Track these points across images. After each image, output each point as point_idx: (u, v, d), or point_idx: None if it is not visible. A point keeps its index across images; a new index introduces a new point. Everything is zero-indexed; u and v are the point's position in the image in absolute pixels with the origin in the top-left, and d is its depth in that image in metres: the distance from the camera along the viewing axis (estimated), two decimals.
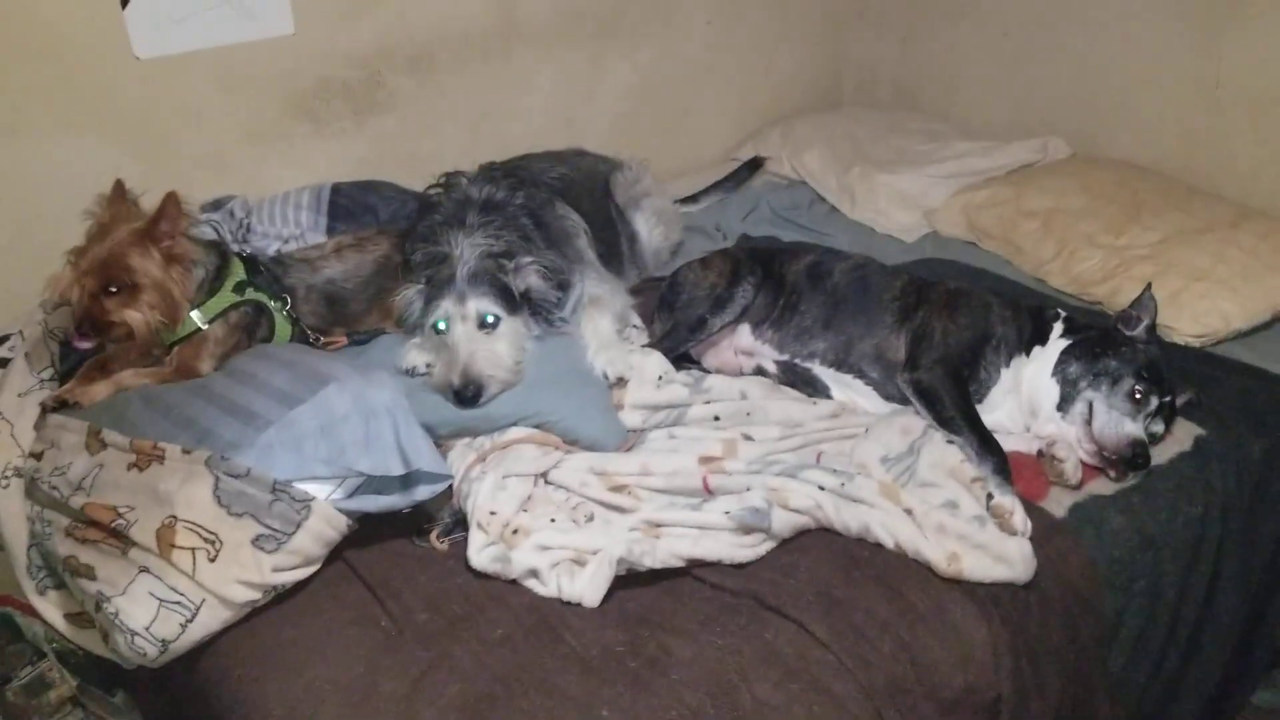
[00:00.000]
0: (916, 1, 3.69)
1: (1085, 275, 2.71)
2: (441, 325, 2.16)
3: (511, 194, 2.40)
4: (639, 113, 3.44)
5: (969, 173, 3.22)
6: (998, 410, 2.19)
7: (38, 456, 1.98)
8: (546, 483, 2.00)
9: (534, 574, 1.80)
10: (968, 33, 3.55)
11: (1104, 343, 2.17)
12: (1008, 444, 2.08)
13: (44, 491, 1.88)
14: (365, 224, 2.60)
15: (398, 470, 1.86)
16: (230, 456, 1.78)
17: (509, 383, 2.10)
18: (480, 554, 1.81)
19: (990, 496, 1.94)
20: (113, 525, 1.74)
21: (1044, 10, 3.31)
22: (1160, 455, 2.12)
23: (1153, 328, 2.21)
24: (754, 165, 3.47)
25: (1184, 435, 2.19)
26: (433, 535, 1.92)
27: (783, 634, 1.70)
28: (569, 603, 1.76)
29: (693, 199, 3.27)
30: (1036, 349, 2.22)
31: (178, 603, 1.68)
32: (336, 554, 1.86)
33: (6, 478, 2.03)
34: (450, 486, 1.96)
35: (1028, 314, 2.28)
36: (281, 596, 1.79)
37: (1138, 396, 2.08)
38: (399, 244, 2.41)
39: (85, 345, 2.07)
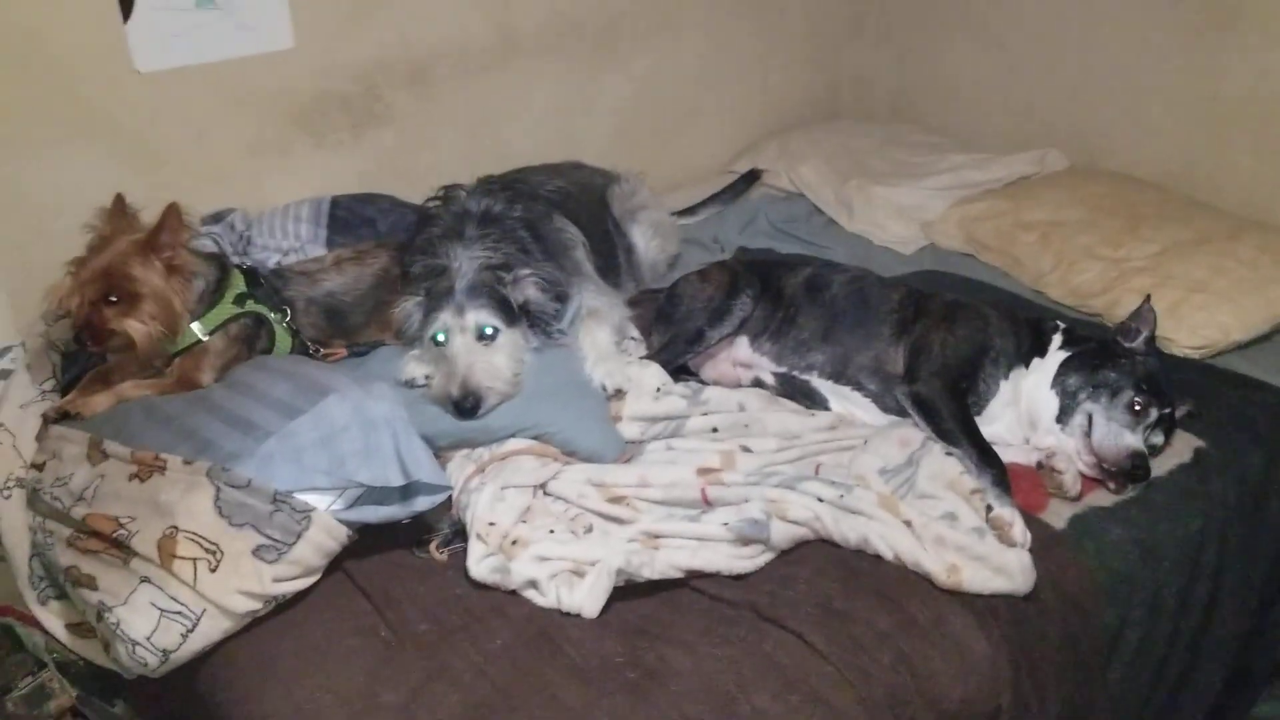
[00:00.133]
0: (913, 14, 3.71)
1: (1084, 287, 2.72)
2: (440, 337, 2.17)
3: (509, 206, 2.40)
4: (636, 126, 3.45)
5: (966, 185, 3.22)
6: (997, 422, 2.20)
7: (39, 467, 1.99)
8: (545, 494, 2.00)
9: (533, 585, 1.80)
10: (965, 45, 3.57)
11: (1103, 355, 2.18)
12: (1007, 456, 2.09)
13: (46, 502, 1.88)
14: (364, 236, 2.61)
15: (397, 481, 1.86)
16: (231, 467, 1.79)
17: (507, 394, 2.11)
18: (479, 565, 1.82)
19: (989, 508, 1.94)
20: (114, 536, 1.74)
21: (1040, 23, 3.33)
22: (1160, 467, 2.13)
23: (1152, 339, 2.22)
24: (751, 178, 3.48)
25: (1183, 447, 2.19)
26: (432, 546, 1.92)
27: (782, 645, 1.69)
28: (568, 613, 1.76)
29: (690, 211, 3.28)
30: (1035, 361, 2.22)
31: (179, 613, 1.68)
32: (336, 564, 1.86)
33: (8, 488, 2.04)
34: (449, 497, 1.96)
35: (1026, 326, 2.29)
36: (282, 607, 1.79)
37: (1137, 408, 2.09)
38: (398, 257, 2.42)
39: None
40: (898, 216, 3.17)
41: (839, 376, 2.28)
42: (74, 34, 2.38)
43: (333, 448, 1.86)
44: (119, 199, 2.13)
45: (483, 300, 2.16)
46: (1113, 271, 2.69)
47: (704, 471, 2.00)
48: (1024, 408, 2.19)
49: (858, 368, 2.27)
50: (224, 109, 2.65)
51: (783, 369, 2.33)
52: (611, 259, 2.71)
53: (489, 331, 2.15)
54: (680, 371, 2.35)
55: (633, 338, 2.45)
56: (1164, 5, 3.01)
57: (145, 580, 1.71)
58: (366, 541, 1.89)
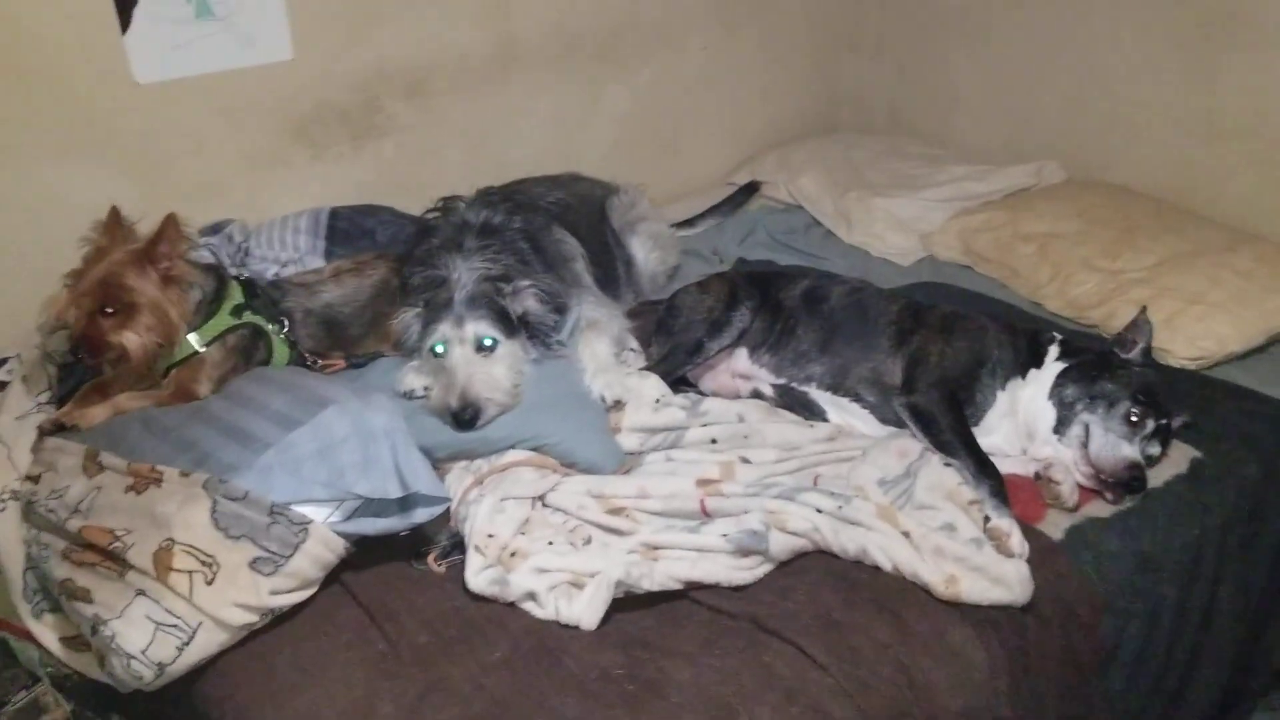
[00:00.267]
0: (912, 27, 3.72)
1: (1081, 299, 2.72)
2: (439, 348, 2.17)
3: (509, 218, 2.41)
4: (635, 138, 3.46)
5: (964, 197, 3.23)
6: (994, 433, 2.20)
7: (35, 479, 1.98)
8: (544, 505, 2.00)
9: (532, 596, 1.79)
10: (963, 58, 3.58)
11: (1100, 366, 2.18)
12: (1004, 466, 2.09)
13: (41, 514, 1.88)
14: (363, 248, 2.61)
15: (395, 493, 1.86)
16: (229, 479, 1.79)
17: (507, 405, 2.10)
18: (478, 576, 1.81)
19: (987, 519, 1.94)
20: (110, 548, 1.74)
21: (1039, 36, 3.34)
22: (1157, 478, 2.13)
23: (1148, 351, 2.23)
24: (750, 189, 3.49)
25: (1180, 458, 2.19)
26: (430, 558, 1.91)
27: (781, 656, 1.69)
28: (567, 625, 1.76)
29: (689, 223, 3.28)
30: (1032, 372, 2.22)
31: (174, 625, 1.68)
32: (334, 577, 1.86)
33: (3, 501, 2.03)
34: (448, 509, 1.95)
35: (1024, 337, 2.29)
36: (279, 619, 1.78)
37: (1134, 419, 2.09)
38: (397, 268, 2.42)
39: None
40: (896, 228, 3.18)
41: (837, 388, 2.28)
42: (73, 45, 2.39)
43: (331, 459, 1.85)
44: (114, 211, 2.13)
45: (482, 311, 2.16)
46: (1110, 283, 2.69)
47: (703, 483, 1.99)
48: (1021, 419, 2.19)
49: (856, 379, 2.27)
50: (223, 120, 2.65)
51: (781, 380, 2.33)
52: (611, 270, 2.72)
53: (488, 343, 2.15)
54: (679, 383, 2.35)
55: (632, 349, 2.45)
56: (1160, 19, 3.02)
57: (141, 593, 1.70)
58: (364, 553, 1.88)
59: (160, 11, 2.46)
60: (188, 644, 1.68)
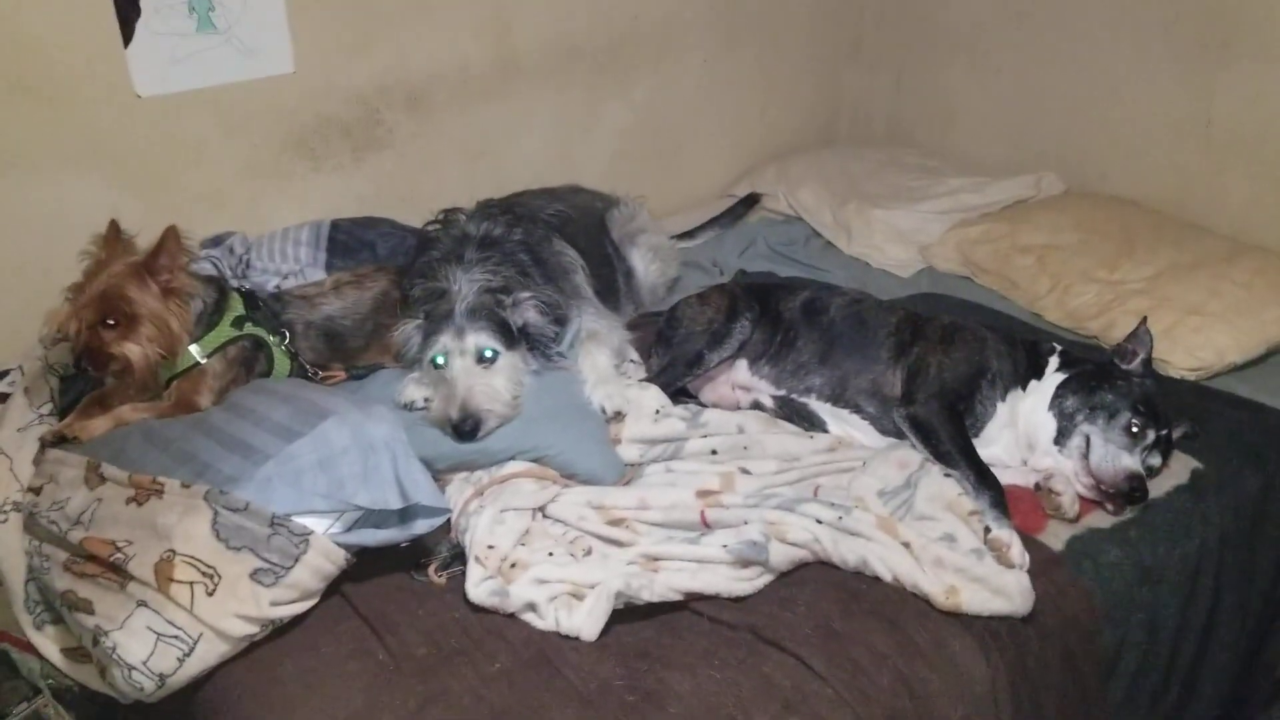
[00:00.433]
0: (911, 40, 3.74)
1: (1080, 310, 2.73)
2: (440, 360, 2.17)
3: (509, 230, 2.41)
4: (635, 150, 3.47)
5: (964, 208, 3.24)
6: (994, 444, 2.20)
7: (36, 491, 1.98)
8: (544, 516, 2.00)
9: (532, 608, 1.79)
10: (961, 71, 3.59)
11: (1100, 377, 2.18)
12: (1005, 477, 2.09)
13: (43, 526, 1.88)
14: (364, 260, 2.62)
15: (396, 504, 1.86)
16: (229, 490, 1.79)
17: (507, 417, 2.11)
18: (478, 588, 1.81)
19: (988, 530, 1.94)
20: (111, 559, 1.74)
21: (1037, 48, 3.35)
22: (1157, 489, 2.13)
23: (1148, 361, 2.23)
24: (750, 201, 3.50)
25: (1180, 469, 2.19)
26: (431, 569, 1.91)
27: (781, 667, 1.69)
28: (567, 636, 1.76)
29: (689, 235, 3.29)
30: (1032, 383, 2.23)
31: (175, 637, 1.68)
32: (334, 588, 1.86)
33: (5, 512, 2.03)
34: (448, 520, 1.96)
35: (1023, 348, 2.29)
36: (279, 630, 1.78)
37: (1134, 430, 2.09)
38: (397, 280, 2.43)
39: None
40: (896, 240, 3.18)
41: (837, 399, 2.29)
42: (75, 58, 2.39)
43: (331, 470, 1.85)
44: (113, 224, 2.13)
45: (482, 323, 2.17)
46: (1109, 294, 2.70)
47: (703, 494, 2.00)
48: (1022, 429, 2.19)
49: (856, 390, 2.27)
50: (224, 133, 2.66)
51: (781, 392, 2.34)
52: (611, 282, 2.72)
53: (488, 354, 2.16)
54: (680, 394, 2.36)
55: (632, 360, 2.46)
56: (1158, 31, 3.03)
57: (142, 604, 1.70)
58: (365, 565, 1.88)
59: (162, 25, 2.47)
60: (189, 655, 1.68)
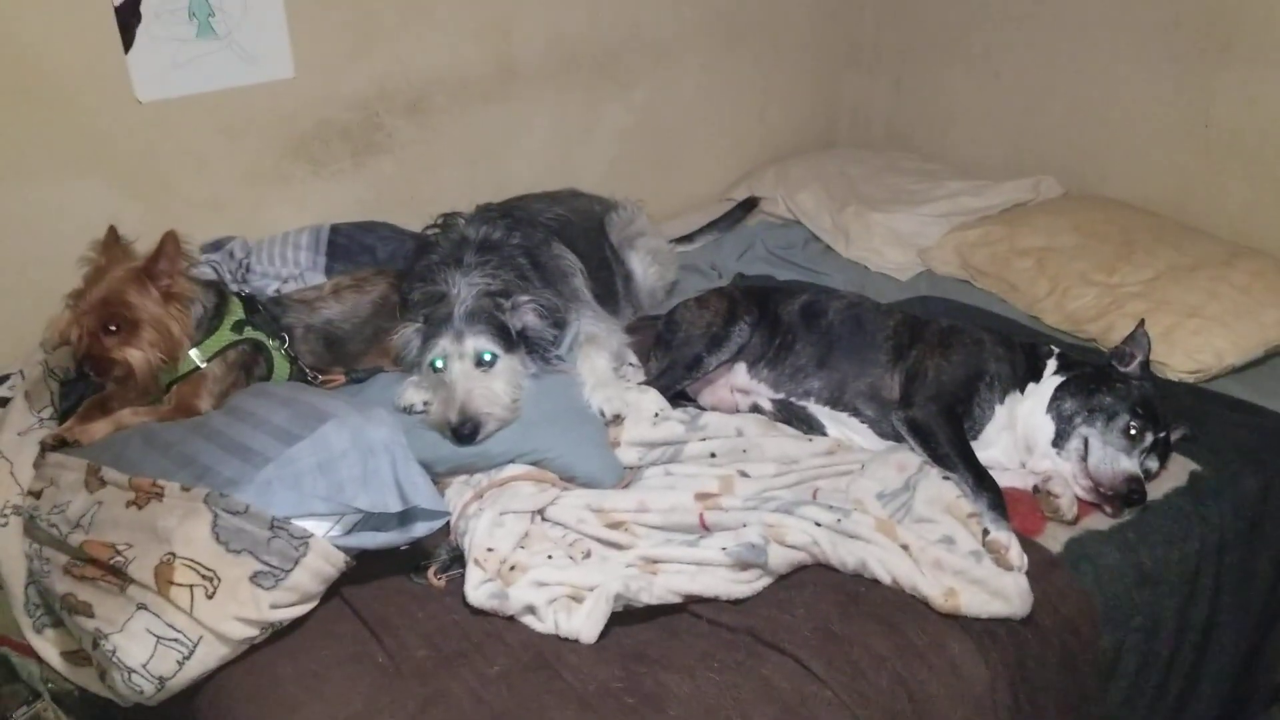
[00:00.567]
0: (909, 44, 3.74)
1: (1079, 313, 2.73)
2: (439, 363, 2.17)
3: (508, 234, 2.42)
4: (634, 154, 3.47)
5: (962, 211, 3.24)
6: (993, 447, 2.20)
7: (37, 494, 1.99)
8: (544, 519, 2.00)
9: (531, 610, 1.80)
10: (960, 74, 3.60)
11: (1098, 379, 2.19)
12: (1003, 480, 2.09)
13: (43, 529, 1.88)
14: (363, 264, 2.62)
15: (395, 507, 1.86)
16: (229, 493, 1.79)
17: (506, 420, 2.11)
18: (477, 590, 1.81)
19: (986, 532, 1.94)
20: (111, 562, 1.74)
21: (1035, 52, 3.36)
22: (1155, 491, 2.13)
23: (1146, 364, 2.23)
24: (749, 205, 3.50)
25: (1179, 471, 2.20)
26: (430, 572, 1.92)
27: (780, 670, 1.69)
28: (566, 639, 1.76)
29: (688, 238, 3.30)
30: (1031, 385, 2.23)
31: (175, 640, 1.68)
32: (334, 591, 1.86)
33: (5, 516, 2.03)
34: (447, 523, 1.96)
35: (1021, 351, 2.30)
36: (279, 633, 1.78)
37: (1132, 432, 2.09)
38: (397, 284, 2.43)
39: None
40: (894, 243, 3.19)
41: (836, 402, 2.29)
42: (76, 64, 2.40)
43: (331, 474, 1.86)
44: (111, 230, 2.14)
45: (481, 326, 2.17)
46: (1107, 297, 2.70)
47: (702, 496, 2.00)
48: (1020, 432, 2.19)
49: (854, 393, 2.27)
50: (224, 138, 2.67)
51: (780, 395, 2.34)
52: (610, 286, 2.73)
53: (487, 357, 2.16)
54: (679, 397, 2.36)
55: (631, 364, 2.46)
56: (1157, 34, 3.04)
57: (142, 607, 1.70)
58: (364, 568, 1.88)
59: (162, 30, 2.48)
60: (188, 658, 1.68)
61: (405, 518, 1.89)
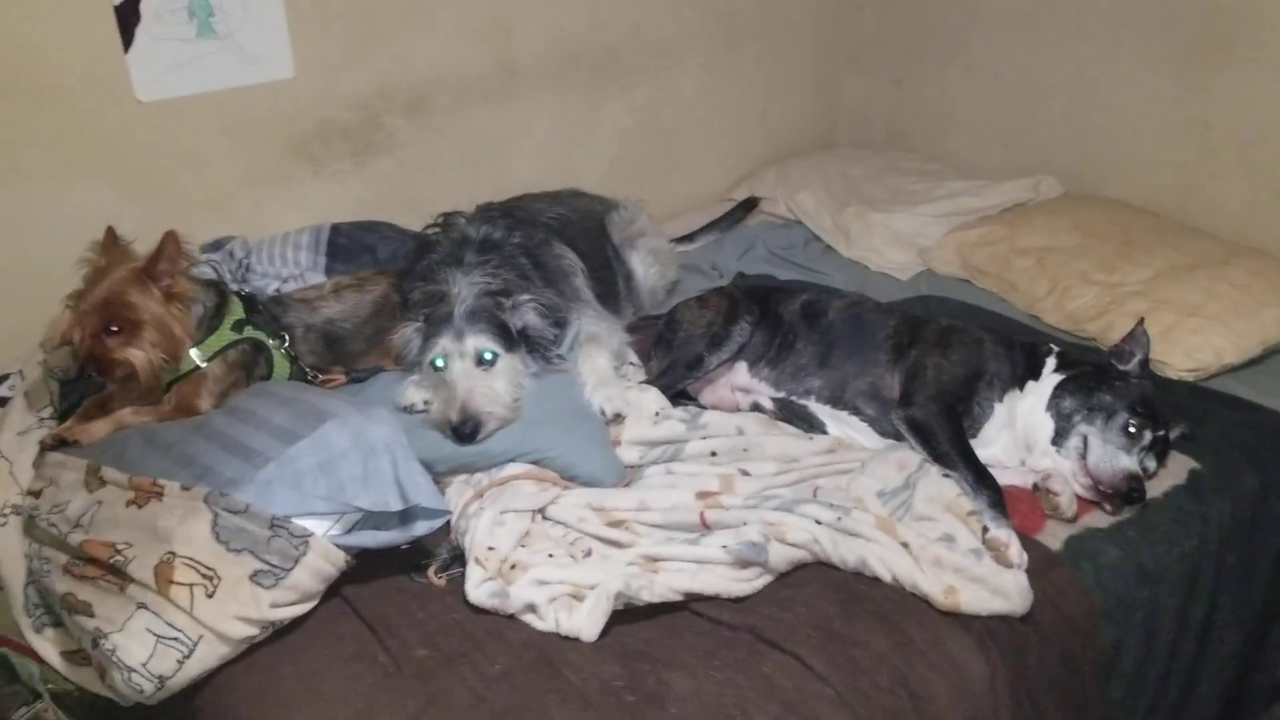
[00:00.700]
0: (910, 44, 3.75)
1: (1079, 312, 2.73)
2: (439, 362, 2.17)
3: (509, 233, 2.42)
4: (635, 154, 3.47)
5: (962, 211, 3.24)
6: (993, 445, 2.20)
7: (36, 494, 1.99)
8: (544, 518, 2.00)
9: (532, 609, 1.79)
10: (960, 75, 3.60)
11: (1098, 378, 2.19)
12: (1003, 478, 2.09)
13: (42, 529, 1.88)
14: (364, 264, 2.62)
15: (396, 506, 1.86)
16: (229, 493, 1.79)
17: (507, 419, 2.11)
18: (478, 589, 1.81)
19: (986, 530, 1.94)
20: (111, 562, 1.74)
21: (1035, 52, 3.36)
22: (1155, 489, 2.13)
23: (1146, 363, 2.24)
24: (749, 205, 3.50)
25: (1178, 469, 2.20)
26: (430, 571, 1.92)
27: (781, 668, 1.69)
28: (567, 637, 1.76)
29: (689, 238, 3.30)
30: (1030, 384, 2.23)
31: (175, 639, 1.68)
32: (334, 590, 1.86)
33: (4, 515, 2.03)
34: (448, 522, 1.96)
35: (1021, 350, 2.30)
36: (279, 633, 1.78)
37: (1132, 430, 2.10)
38: (397, 284, 2.43)
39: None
40: (895, 243, 3.19)
41: (836, 401, 2.29)
42: (75, 64, 2.40)
43: (332, 473, 1.86)
44: (110, 231, 2.14)
45: (482, 326, 2.17)
46: (1107, 296, 2.71)
47: (703, 495, 2.00)
48: (1020, 430, 2.19)
49: (855, 392, 2.27)
50: (224, 138, 2.67)
51: (781, 394, 2.34)
52: (611, 285, 2.73)
53: (488, 357, 2.16)
54: (679, 397, 2.36)
55: (632, 363, 2.46)
56: (1157, 34, 3.04)
57: (142, 606, 1.70)
58: (365, 567, 1.88)
59: (162, 30, 2.48)
60: (188, 657, 1.68)
61: (406, 517, 1.89)
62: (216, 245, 2.63)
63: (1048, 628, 1.86)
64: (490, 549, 1.87)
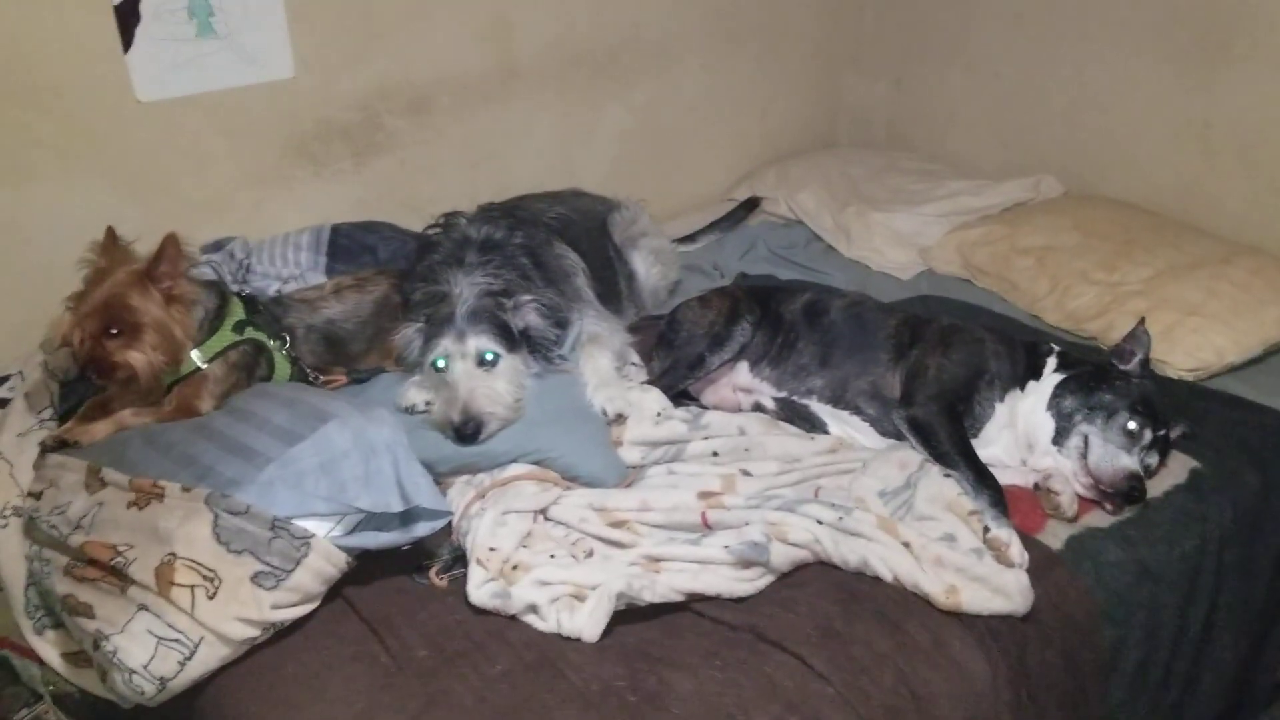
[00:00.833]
0: (910, 44, 3.74)
1: (1079, 311, 2.73)
2: (441, 363, 2.17)
3: (510, 233, 2.42)
4: (636, 154, 3.47)
5: (963, 211, 3.24)
6: (994, 444, 2.20)
7: (37, 496, 1.98)
8: (546, 519, 2.00)
9: (533, 609, 1.79)
10: (960, 75, 3.60)
11: (1098, 377, 2.19)
12: (1004, 477, 2.09)
13: (43, 530, 1.88)
14: (365, 264, 2.62)
15: (397, 507, 1.86)
16: (230, 494, 1.79)
17: (508, 420, 2.11)
18: (480, 590, 1.81)
19: (987, 529, 1.94)
20: (112, 563, 1.74)
21: (1035, 52, 3.36)
22: (1156, 488, 2.13)
23: (1146, 362, 2.23)
24: (750, 205, 3.50)
25: (1179, 468, 2.20)
26: (432, 572, 1.92)
27: (782, 667, 1.69)
28: (568, 638, 1.76)
29: (690, 238, 3.30)
30: (1031, 384, 2.23)
31: (176, 640, 1.68)
32: (336, 591, 1.86)
33: (5, 517, 2.03)
34: (449, 523, 1.96)
35: (1022, 349, 2.30)
36: (281, 634, 1.78)
37: (1132, 430, 2.10)
38: (398, 284, 2.43)
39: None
40: (895, 242, 3.19)
41: (838, 401, 2.29)
42: (75, 64, 2.40)
43: (333, 474, 1.86)
44: (110, 232, 2.13)
45: (483, 326, 2.17)
46: (1108, 295, 2.70)
47: (705, 495, 2.00)
48: (1020, 430, 2.19)
49: (856, 392, 2.27)
50: (225, 138, 2.67)
51: (783, 394, 2.34)
52: (612, 285, 2.72)
53: (490, 357, 2.16)
54: (681, 397, 2.36)
55: (633, 363, 2.46)
56: (1157, 33, 3.04)
57: (143, 608, 1.70)
58: (366, 568, 1.88)
59: (162, 30, 2.48)
60: (189, 658, 1.68)
61: (407, 518, 1.89)
62: (217, 246, 2.62)
63: (1049, 627, 1.86)
64: (492, 549, 1.86)
